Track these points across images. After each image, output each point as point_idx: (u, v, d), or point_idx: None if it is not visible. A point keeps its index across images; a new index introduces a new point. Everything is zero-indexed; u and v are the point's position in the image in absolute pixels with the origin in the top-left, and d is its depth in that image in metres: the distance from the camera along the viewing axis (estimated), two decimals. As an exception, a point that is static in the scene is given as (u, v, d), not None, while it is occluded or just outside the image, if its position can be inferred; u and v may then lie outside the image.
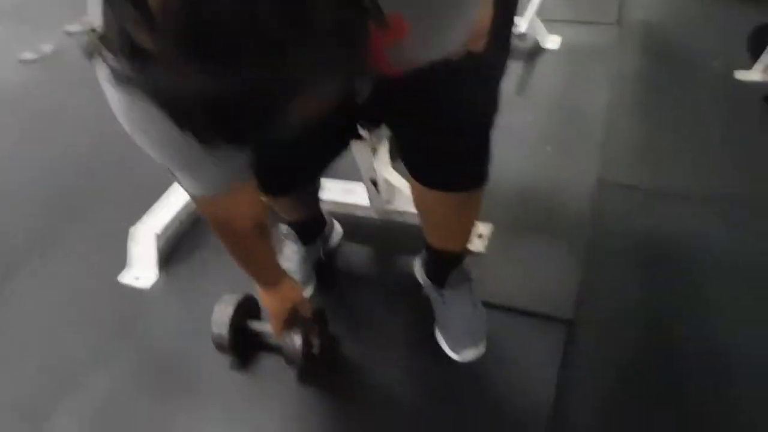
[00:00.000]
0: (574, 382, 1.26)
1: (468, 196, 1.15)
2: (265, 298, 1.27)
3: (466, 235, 1.29)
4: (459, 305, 1.35)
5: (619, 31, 2.52)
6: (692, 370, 1.27)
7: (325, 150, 1.23)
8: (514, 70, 2.32)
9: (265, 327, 1.35)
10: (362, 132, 1.40)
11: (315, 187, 1.43)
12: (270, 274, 1.24)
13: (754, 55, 2.16)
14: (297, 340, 1.24)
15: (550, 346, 1.33)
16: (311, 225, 1.51)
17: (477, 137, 1.06)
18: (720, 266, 1.49)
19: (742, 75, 2.15)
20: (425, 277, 1.40)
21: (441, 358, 1.34)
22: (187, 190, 0.98)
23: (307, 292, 1.49)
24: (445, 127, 0.98)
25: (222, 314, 1.32)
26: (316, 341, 1.28)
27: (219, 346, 1.33)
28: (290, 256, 1.50)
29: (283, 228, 1.50)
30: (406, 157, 1.12)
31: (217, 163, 0.84)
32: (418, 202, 1.21)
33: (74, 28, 2.87)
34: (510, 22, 1.03)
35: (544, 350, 1.32)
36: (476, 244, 1.54)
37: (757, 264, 1.49)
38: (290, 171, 1.21)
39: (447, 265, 1.33)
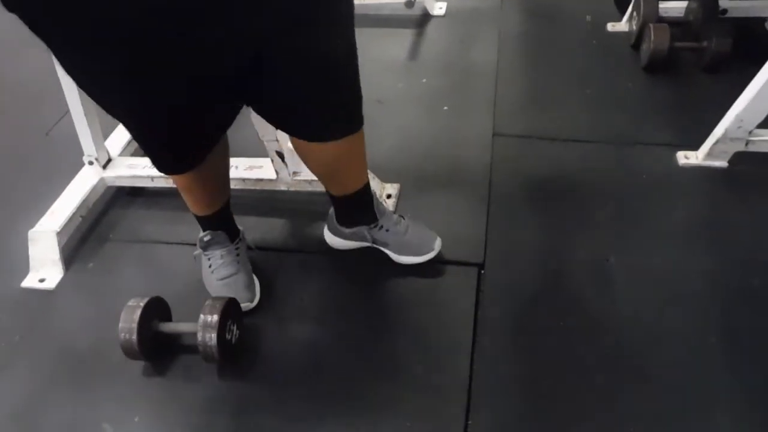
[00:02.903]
0: (489, 315, 1.35)
1: (351, 140, 1.20)
2: None
3: (363, 172, 1.35)
4: (399, 228, 1.43)
5: (501, -8, 2.64)
6: (586, 287, 1.40)
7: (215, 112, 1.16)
8: (405, 37, 2.39)
9: (177, 327, 1.32)
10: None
11: (222, 158, 1.35)
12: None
13: (621, 8, 2.35)
14: (212, 335, 1.23)
15: (465, 287, 1.41)
16: (228, 212, 1.44)
17: (345, 84, 1.11)
18: (604, 195, 1.64)
19: (612, 26, 2.33)
20: (348, 229, 1.45)
21: (364, 316, 1.38)
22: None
23: (257, 297, 1.42)
24: (314, 78, 1.04)
25: (129, 321, 1.25)
26: (233, 330, 1.28)
27: (129, 353, 1.27)
28: (227, 263, 1.41)
29: (205, 238, 1.40)
30: (283, 120, 1.17)
31: None
32: (308, 160, 1.27)
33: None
34: None
35: (460, 291, 1.41)
36: (386, 204, 1.59)
37: (635, 190, 1.65)
38: (190, 136, 1.16)
39: (361, 203, 1.38)
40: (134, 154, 1.84)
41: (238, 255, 1.43)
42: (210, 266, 1.42)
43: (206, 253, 1.42)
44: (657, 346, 1.28)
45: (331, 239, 1.51)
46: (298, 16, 0.94)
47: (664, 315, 1.33)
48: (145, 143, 1.14)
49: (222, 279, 1.40)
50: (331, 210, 1.47)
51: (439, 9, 2.51)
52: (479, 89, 2.06)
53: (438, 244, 1.45)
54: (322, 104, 1.10)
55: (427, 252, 1.44)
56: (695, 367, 1.24)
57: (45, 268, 1.55)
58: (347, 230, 1.46)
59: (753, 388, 1.19)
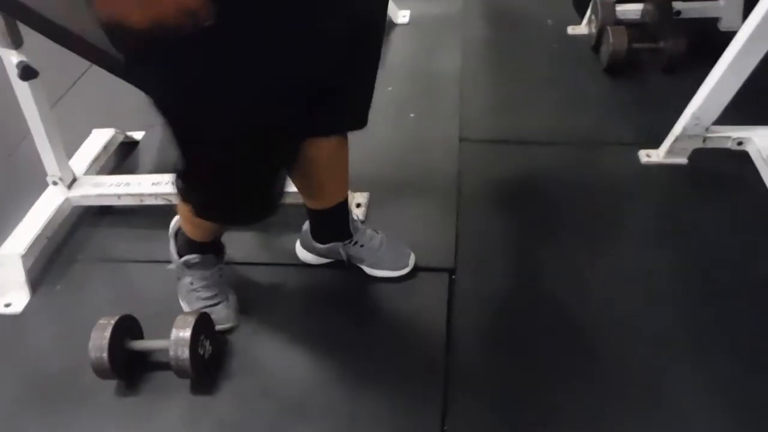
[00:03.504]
0: (461, 320, 1.36)
1: (345, 143, 1.26)
2: None
3: (346, 183, 1.38)
4: (374, 243, 1.44)
5: (464, 1, 2.68)
6: (557, 289, 1.43)
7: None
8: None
9: (149, 345, 1.31)
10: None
11: None
12: None
13: (580, 12, 2.40)
14: (184, 350, 1.22)
15: (437, 293, 1.42)
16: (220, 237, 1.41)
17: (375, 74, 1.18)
18: (571, 196, 1.67)
19: (572, 30, 2.38)
20: (323, 245, 1.45)
21: (337, 327, 1.38)
22: None
23: (236, 317, 1.40)
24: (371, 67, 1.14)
25: (99, 339, 1.23)
26: (205, 345, 1.27)
27: (100, 372, 1.25)
28: (209, 284, 1.38)
29: (192, 260, 1.36)
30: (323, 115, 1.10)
31: None
32: (299, 165, 1.24)
33: None
34: None
35: (432, 296, 1.42)
36: (356, 213, 1.59)
37: (601, 190, 1.69)
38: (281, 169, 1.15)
39: (339, 218, 1.39)
40: (99, 173, 1.82)
41: (221, 276, 1.41)
42: (191, 284, 1.39)
43: (189, 272, 1.39)
44: (629, 344, 1.30)
45: (304, 255, 1.51)
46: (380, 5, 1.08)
47: (635, 313, 1.36)
48: (246, 184, 1.08)
49: (204, 299, 1.38)
50: (306, 226, 1.47)
51: (402, 17, 2.54)
52: (445, 95, 2.08)
53: (412, 259, 1.45)
54: (366, 93, 1.17)
55: (402, 267, 1.45)
56: (666, 364, 1.26)
57: (10, 292, 1.52)
58: (322, 246, 1.46)
59: (726, 383, 1.22)
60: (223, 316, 1.37)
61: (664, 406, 1.18)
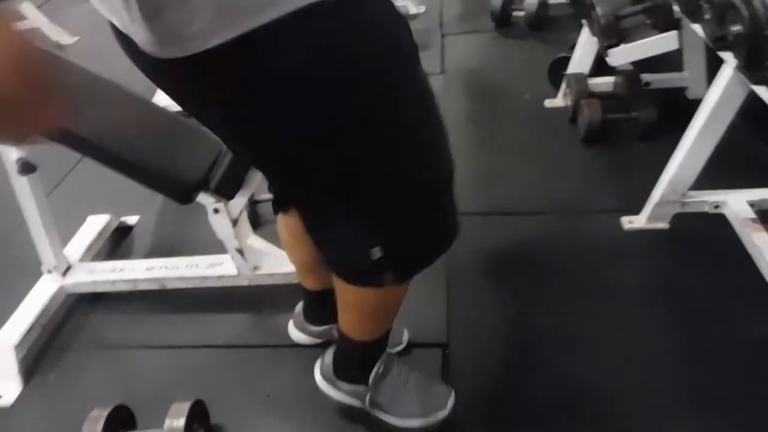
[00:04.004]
0: (457, 393, 1.33)
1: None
2: None
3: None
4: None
5: (444, 79, 2.80)
6: (549, 357, 1.44)
7: None
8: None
9: None
10: (218, 206, 1.45)
11: None
12: None
13: (555, 85, 2.52)
14: None
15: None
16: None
17: None
18: (558, 265, 1.71)
19: (549, 103, 2.49)
20: (317, 327, 1.44)
21: (332, 409, 1.35)
22: None
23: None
24: None
25: None
26: None
27: None
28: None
29: (378, 372, 1.23)
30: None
31: None
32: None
33: None
34: None
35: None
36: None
37: (586, 257, 1.73)
38: None
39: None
40: (94, 259, 1.84)
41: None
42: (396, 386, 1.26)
43: (384, 383, 1.25)
44: (622, 405, 1.31)
45: (298, 336, 1.51)
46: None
47: (626, 376, 1.37)
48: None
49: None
50: (299, 307, 1.48)
51: (387, 96, 2.64)
52: (430, 170, 2.15)
53: (406, 336, 1.45)
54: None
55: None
56: (660, 422, 1.27)
57: (2, 383, 1.51)
58: (316, 329, 1.46)
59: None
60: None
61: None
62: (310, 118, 0.77)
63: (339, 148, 0.82)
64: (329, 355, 1.30)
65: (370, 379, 1.22)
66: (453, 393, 1.26)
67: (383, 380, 1.23)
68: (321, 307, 1.41)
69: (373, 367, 1.22)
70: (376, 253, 0.92)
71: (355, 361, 1.25)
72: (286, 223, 1.27)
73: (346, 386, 1.26)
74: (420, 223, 0.94)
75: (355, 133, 0.81)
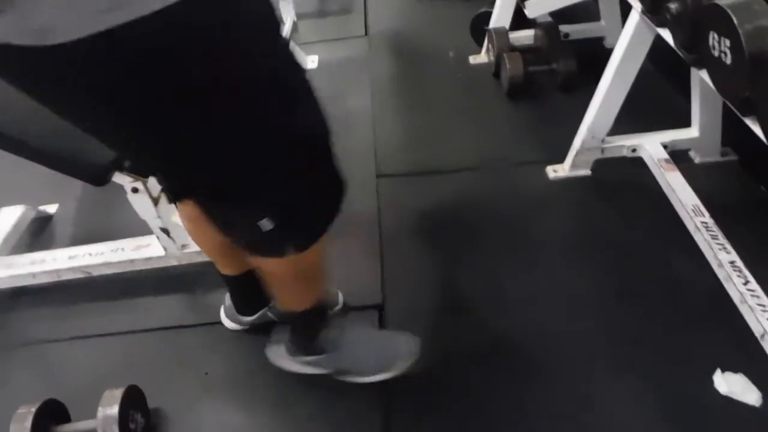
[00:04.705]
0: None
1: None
2: None
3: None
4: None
5: (369, 41, 2.77)
6: (484, 311, 1.47)
7: None
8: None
9: (76, 427, 1.25)
10: (137, 185, 1.40)
11: None
12: None
13: (479, 41, 2.53)
14: (113, 428, 1.18)
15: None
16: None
17: None
18: (489, 218, 1.74)
19: (473, 59, 2.50)
20: (248, 317, 1.42)
21: (270, 384, 1.35)
22: None
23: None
24: None
25: (20, 430, 1.17)
26: (137, 419, 1.24)
27: None
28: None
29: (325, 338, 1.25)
30: None
31: None
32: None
33: None
34: None
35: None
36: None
37: (515, 209, 1.77)
38: None
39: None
40: (12, 253, 1.75)
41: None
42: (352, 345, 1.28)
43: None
44: (553, 346, 1.36)
45: (233, 326, 1.48)
46: None
47: (556, 319, 1.42)
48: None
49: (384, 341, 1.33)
50: (228, 300, 1.46)
51: (311, 62, 2.60)
52: (358, 135, 2.13)
53: (341, 298, 1.46)
54: None
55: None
56: (595, 372, 1.31)
57: None
58: (249, 319, 1.44)
59: (655, 387, 1.29)
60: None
61: (595, 414, 1.24)
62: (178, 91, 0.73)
63: (207, 120, 0.78)
64: (277, 335, 1.30)
65: (327, 347, 1.24)
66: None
67: (341, 345, 1.25)
68: (248, 293, 1.39)
69: (319, 333, 1.23)
70: (267, 224, 0.92)
71: (301, 333, 1.26)
72: (186, 211, 1.22)
73: (305, 358, 1.27)
74: (300, 190, 0.94)
75: (221, 104, 0.77)
